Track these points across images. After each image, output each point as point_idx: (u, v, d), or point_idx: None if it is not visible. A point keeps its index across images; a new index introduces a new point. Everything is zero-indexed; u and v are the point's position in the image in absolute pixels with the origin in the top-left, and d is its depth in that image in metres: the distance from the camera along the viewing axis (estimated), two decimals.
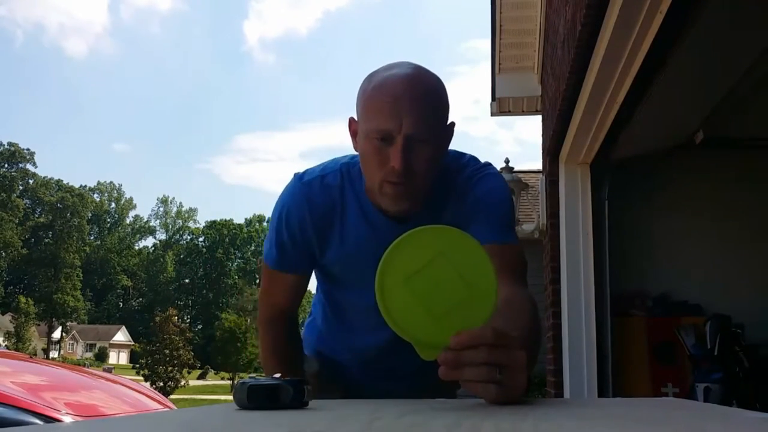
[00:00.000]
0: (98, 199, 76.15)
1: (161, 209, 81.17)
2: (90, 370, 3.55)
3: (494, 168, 1.26)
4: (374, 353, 1.37)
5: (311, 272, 1.34)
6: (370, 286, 1.26)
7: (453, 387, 1.55)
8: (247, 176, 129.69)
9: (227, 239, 74.35)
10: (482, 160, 1.27)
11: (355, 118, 1.15)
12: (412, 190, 1.11)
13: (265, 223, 72.86)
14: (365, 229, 1.22)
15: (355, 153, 1.20)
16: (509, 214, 1.21)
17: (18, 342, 44.62)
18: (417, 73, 1.09)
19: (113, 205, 79.21)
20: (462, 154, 1.27)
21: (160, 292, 71.55)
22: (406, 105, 1.05)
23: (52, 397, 2.26)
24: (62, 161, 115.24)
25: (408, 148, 1.06)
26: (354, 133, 1.17)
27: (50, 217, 62.76)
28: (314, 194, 1.22)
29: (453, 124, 1.16)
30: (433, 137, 1.09)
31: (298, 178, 1.26)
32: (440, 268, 0.75)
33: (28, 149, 64.55)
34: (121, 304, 75.55)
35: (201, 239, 77.57)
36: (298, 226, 1.23)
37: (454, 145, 1.23)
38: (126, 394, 2.72)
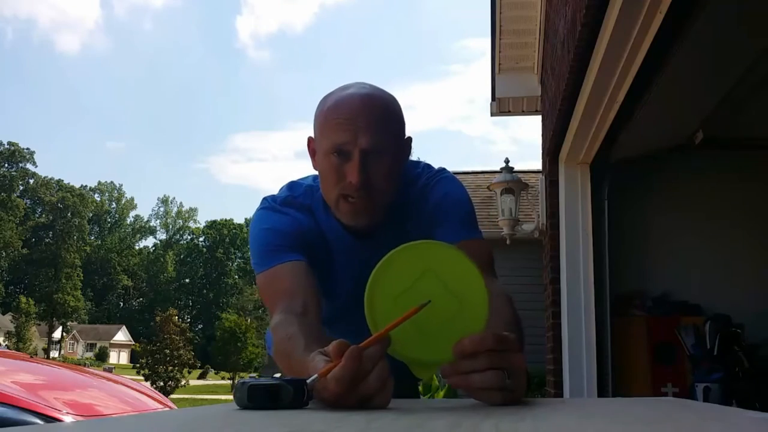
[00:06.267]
0: (99, 199, 76.15)
1: (161, 209, 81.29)
2: (90, 369, 3.54)
3: (448, 172, 1.27)
4: None
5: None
6: (335, 299, 1.26)
7: (415, 392, 1.56)
8: (244, 176, 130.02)
9: (227, 239, 74.35)
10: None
11: (314, 138, 1.16)
12: (369, 205, 1.11)
13: None
14: (332, 246, 1.23)
15: (316, 174, 1.23)
16: (470, 212, 1.22)
17: (19, 342, 44.66)
18: (372, 92, 1.11)
19: (114, 205, 79.22)
20: (416, 164, 1.28)
21: (160, 292, 71.56)
22: (361, 120, 1.06)
23: (51, 396, 2.26)
24: (62, 161, 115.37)
25: (365, 162, 1.07)
26: (313, 153, 1.18)
27: (50, 217, 62.76)
28: (294, 211, 1.21)
29: (410, 139, 1.18)
30: (390, 150, 1.10)
31: (272, 199, 1.24)
32: (429, 285, 0.73)
33: (28, 149, 64.72)
34: (121, 304, 75.56)
35: (201, 239, 77.58)
36: (290, 228, 1.18)
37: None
38: (126, 393, 2.72)
